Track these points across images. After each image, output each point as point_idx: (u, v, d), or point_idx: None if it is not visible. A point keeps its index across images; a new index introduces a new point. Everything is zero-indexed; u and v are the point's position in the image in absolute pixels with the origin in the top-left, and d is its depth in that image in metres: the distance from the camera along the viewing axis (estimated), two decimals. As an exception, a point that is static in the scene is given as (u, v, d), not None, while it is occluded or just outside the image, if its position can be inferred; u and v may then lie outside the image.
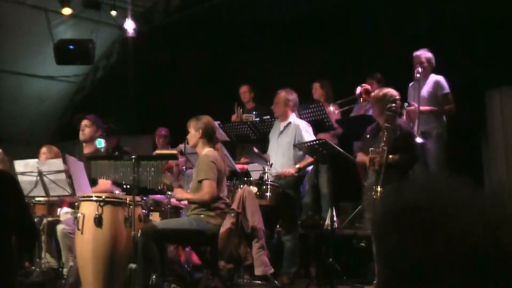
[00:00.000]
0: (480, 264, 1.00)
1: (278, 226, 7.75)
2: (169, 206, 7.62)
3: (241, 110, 9.56)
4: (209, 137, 6.14)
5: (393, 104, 6.26)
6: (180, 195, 6.18)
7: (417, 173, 6.70)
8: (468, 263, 1.00)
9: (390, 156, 6.08)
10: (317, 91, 9.02)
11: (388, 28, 9.19)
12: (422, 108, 7.45)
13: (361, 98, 8.09)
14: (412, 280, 1.03)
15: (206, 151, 6.06)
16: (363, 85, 8.07)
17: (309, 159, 7.32)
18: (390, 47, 9.00)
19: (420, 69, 7.58)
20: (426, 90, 7.57)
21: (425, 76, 7.65)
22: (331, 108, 8.42)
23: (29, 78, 12.34)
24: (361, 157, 6.48)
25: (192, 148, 6.36)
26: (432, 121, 7.55)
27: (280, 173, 7.25)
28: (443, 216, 1.02)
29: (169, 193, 7.55)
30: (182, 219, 6.66)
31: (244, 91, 9.71)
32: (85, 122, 7.14)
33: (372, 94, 6.91)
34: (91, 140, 7.15)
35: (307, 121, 7.79)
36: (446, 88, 7.53)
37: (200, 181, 5.91)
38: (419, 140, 7.36)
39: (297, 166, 7.32)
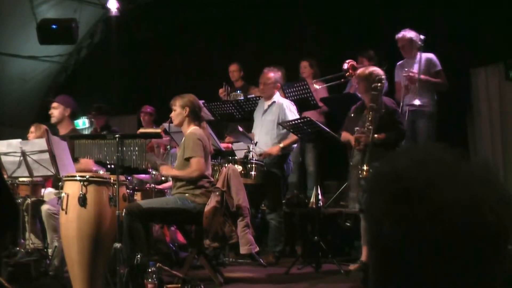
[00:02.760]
0: (462, 240, 0.98)
1: (263, 205, 7.77)
2: (153, 185, 7.60)
3: (229, 88, 9.51)
4: (195, 115, 6.10)
5: (378, 84, 6.27)
6: (167, 171, 6.15)
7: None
8: (451, 238, 0.98)
9: (376, 135, 6.11)
10: (306, 69, 9.00)
11: (375, 7, 9.18)
12: (421, 76, 7.48)
13: (347, 74, 8.08)
14: (393, 252, 1.02)
15: (192, 129, 6.03)
16: (349, 60, 8.05)
17: (292, 137, 7.32)
18: (377, 26, 8.99)
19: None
20: (417, 68, 7.59)
21: (411, 55, 7.67)
22: (316, 86, 8.39)
23: (12, 58, 12.22)
24: (345, 136, 6.50)
25: (177, 126, 6.30)
26: (423, 98, 7.57)
27: (264, 153, 7.25)
28: (428, 188, 1.00)
29: (154, 173, 7.52)
30: (166, 198, 6.63)
31: (233, 70, 9.66)
32: (52, 105, 7.05)
33: (358, 71, 6.91)
34: (62, 120, 7.07)
35: (291, 99, 7.79)
36: (439, 65, 7.59)
37: (187, 159, 5.89)
38: (417, 102, 7.41)
39: (281, 145, 7.32)
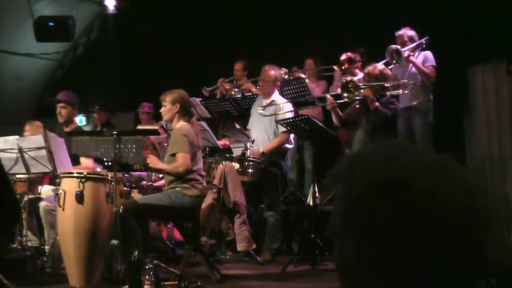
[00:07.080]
0: (443, 226, 1.00)
1: (261, 205, 7.76)
2: (150, 183, 7.60)
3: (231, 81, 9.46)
4: (185, 110, 6.11)
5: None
6: (154, 164, 6.03)
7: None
8: (432, 223, 0.99)
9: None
10: (311, 67, 8.93)
11: (371, 4, 9.17)
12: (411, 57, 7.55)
13: (343, 67, 8.05)
14: (401, 255, 1.01)
15: (179, 125, 6.04)
16: (348, 53, 8.03)
17: (274, 142, 7.31)
18: (372, 24, 8.98)
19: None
20: (413, 68, 7.64)
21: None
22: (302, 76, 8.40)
23: (8, 55, 12.18)
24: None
25: (167, 122, 6.32)
26: (419, 96, 7.61)
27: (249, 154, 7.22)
28: (428, 189, 1.01)
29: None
30: (161, 194, 6.60)
31: (237, 69, 9.47)
32: (60, 105, 7.04)
33: (366, 70, 6.97)
34: (70, 120, 7.08)
35: (288, 97, 7.75)
36: (433, 61, 7.62)
37: (173, 155, 5.89)
38: (413, 100, 7.63)
39: (262, 150, 7.28)
